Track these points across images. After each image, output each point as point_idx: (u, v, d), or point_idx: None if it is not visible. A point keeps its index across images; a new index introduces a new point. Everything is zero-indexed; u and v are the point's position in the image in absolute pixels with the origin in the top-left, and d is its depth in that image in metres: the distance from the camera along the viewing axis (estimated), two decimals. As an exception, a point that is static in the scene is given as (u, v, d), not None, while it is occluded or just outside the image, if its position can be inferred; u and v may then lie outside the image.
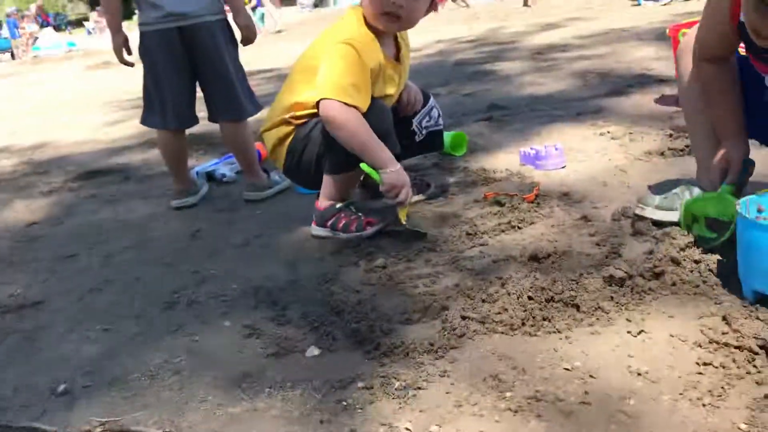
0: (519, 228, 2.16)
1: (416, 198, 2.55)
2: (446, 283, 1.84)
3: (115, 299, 2.06)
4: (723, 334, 1.41)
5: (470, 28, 9.25)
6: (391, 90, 2.33)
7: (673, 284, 1.63)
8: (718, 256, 1.68)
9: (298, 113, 2.29)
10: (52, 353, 1.76)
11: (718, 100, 1.88)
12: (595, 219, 2.14)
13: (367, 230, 2.23)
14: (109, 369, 1.63)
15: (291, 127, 2.31)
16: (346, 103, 2.09)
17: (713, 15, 1.80)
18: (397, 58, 2.35)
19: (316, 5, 22.04)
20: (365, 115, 2.15)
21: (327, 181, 2.31)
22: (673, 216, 1.92)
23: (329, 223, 2.29)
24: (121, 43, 2.83)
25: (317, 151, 2.26)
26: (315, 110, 2.21)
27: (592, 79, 4.42)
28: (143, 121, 2.90)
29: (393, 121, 2.29)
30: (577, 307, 1.60)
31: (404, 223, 2.18)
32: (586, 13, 8.73)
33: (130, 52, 2.87)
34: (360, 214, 2.28)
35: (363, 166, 2.18)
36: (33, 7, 24.00)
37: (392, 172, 2.14)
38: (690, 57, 1.92)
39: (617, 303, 1.60)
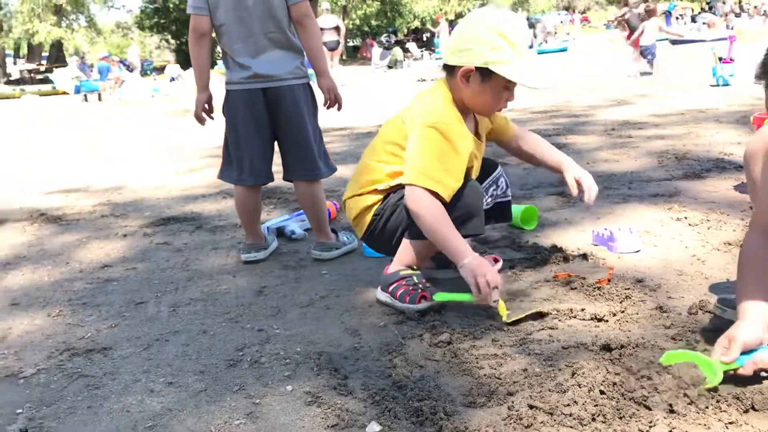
0: (591, 313, 2.10)
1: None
2: (513, 367, 1.78)
3: (180, 351, 2.08)
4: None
5: (536, 97, 9.26)
6: (474, 166, 2.35)
7: (755, 392, 1.55)
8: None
9: (392, 183, 2.30)
10: (116, 404, 1.77)
11: (755, 276, 1.67)
12: (670, 311, 2.07)
13: (420, 304, 2.19)
14: (170, 426, 1.63)
15: (379, 197, 2.34)
16: (431, 191, 2.11)
17: None
18: (476, 133, 2.36)
19: (390, 66, 22.54)
20: (460, 194, 2.17)
21: (405, 245, 2.30)
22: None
23: (390, 288, 2.27)
24: (204, 100, 2.89)
25: (407, 216, 2.24)
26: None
27: (668, 161, 4.34)
28: (220, 176, 2.98)
29: None
30: (650, 408, 1.52)
31: (505, 320, 2.06)
32: (656, 89, 8.63)
33: (211, 110, 2.93)
34: (420, 285, 2.23)
35: (438, 296, 2.18)
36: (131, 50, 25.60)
37: (469, 262, 2.08)
38: (761, 163, 1.63)
39: (695, 405, 1.52)
